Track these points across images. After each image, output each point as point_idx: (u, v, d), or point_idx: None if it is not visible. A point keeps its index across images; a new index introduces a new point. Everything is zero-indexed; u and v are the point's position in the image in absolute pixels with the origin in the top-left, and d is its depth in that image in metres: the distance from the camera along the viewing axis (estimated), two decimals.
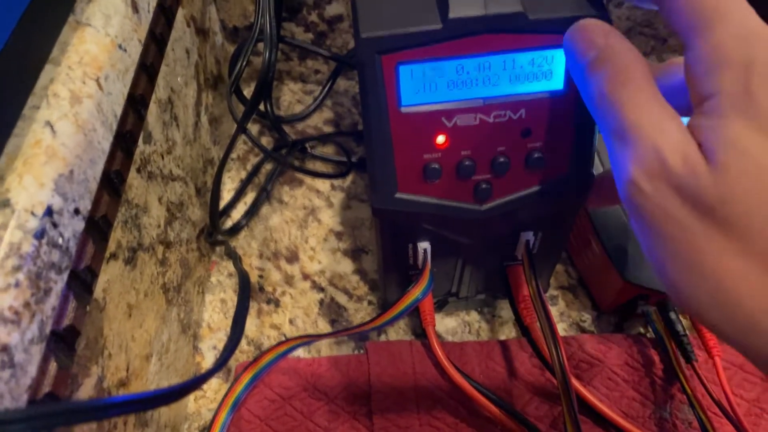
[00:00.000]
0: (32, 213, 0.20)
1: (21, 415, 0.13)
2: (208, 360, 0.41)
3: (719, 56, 0.19)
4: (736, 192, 0.18)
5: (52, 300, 0.21)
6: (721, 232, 0.18)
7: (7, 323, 0.18)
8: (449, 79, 0.27)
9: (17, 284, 0.19)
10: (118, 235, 0.29)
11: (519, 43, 0.26)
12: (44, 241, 0.20)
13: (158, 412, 0.34)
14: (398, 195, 0.30)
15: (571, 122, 0.28)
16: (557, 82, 0.27)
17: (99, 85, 0.25)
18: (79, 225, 0.23)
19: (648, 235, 0.20)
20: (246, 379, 0.37)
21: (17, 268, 0.19)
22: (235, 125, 0.39)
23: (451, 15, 0.25)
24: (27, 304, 0.19)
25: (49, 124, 0.22)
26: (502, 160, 0.29)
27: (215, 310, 0.43)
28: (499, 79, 0.27)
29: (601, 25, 0.23)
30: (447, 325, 0.42)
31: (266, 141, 0.52)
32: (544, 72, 0.27)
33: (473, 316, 0.42)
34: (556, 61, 0.27)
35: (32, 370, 0.19)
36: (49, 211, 0.21)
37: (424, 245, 0.34)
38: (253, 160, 0.51)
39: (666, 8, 0.21)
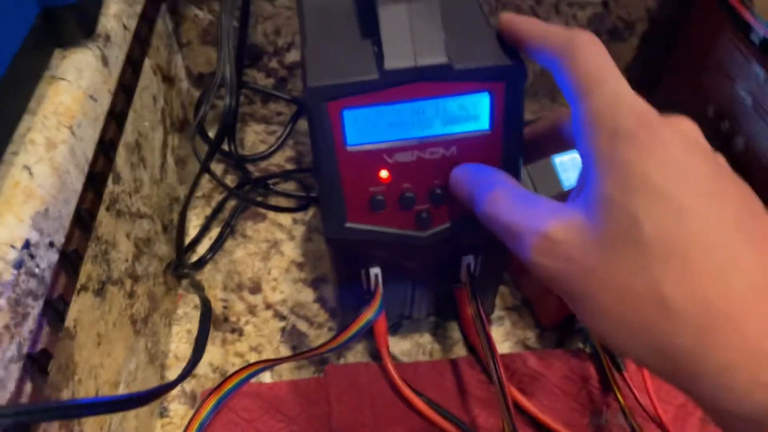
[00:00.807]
0: (12, 246, 0.23)
1: (8, 411, 0.15)
2: (175, 389, 0.43)
3: (592, 123, 0.22)
4: (613, 250, 0.20)
5: (29, 324, 0.23)
6: (610, 281, 0.20)
7: None
8: (388, 121, 0.30)
9: None
10: (88, 269, 0.31)
11: (447, 90, 0.30)
12: (22, 270, 0.23)
13: None
14: (348, 224, 0.33)
15: (498, 158, 0.32)
16: (483, 123, 0.31)
17: (72, 132, 0.28)
18: (54, 257, 0.25)
19: (563, 294, 0.23)
20: (210, 403, 0.39)
21: None
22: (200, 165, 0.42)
23: (386, 66, 0.29)
24: (7, 327, 0.21)
25: (27, 168, 0.25)
26: (438, 191, 0.32)
27: (182, 341, 0.45)
28: (432, 120, 0.31)
29: (459, 173, 0.30)
30: (402, 347, 0.44)
31: (231, 179, 0.55)
32: (471, 115, 0.31)
33: (426, 338, 0.45)
34: (481, 104, 0.31)
35: (11, 386, 0.22)
36: (27, 244, 0.23)
37: (375, 270, 0.37)
38: (218, 197, 0.53)
39: (555, 72, 0.25)
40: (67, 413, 0.18)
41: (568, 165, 0.46)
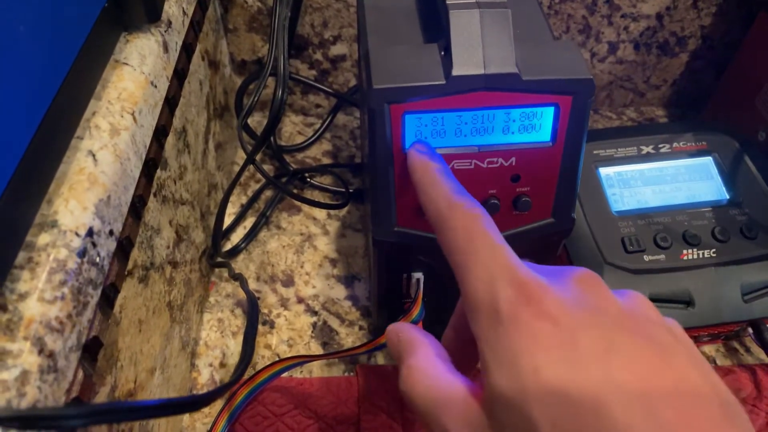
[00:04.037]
0: (76, 233, 0.22)
1: (81, 412, 0.15)
2: (204, 376, 0.43)
3: (472, 301, 0.20)
4: None
5: (89, 313, 0.23)
6: None
7: (53, 332, 0.20)
8: (449, 128, 0.30)
9: (63, 297, 0.21)
10: (135, 255, 0.31)
11: (512, 100, 0.29)
12: (85, 259, 0.23)
13: (158, 423, 0.36)
14: (397, 228, 0.32)
15: (556, 171, 0.31)
16: (545, 135, 0.31)
17: (134, 118, 0.27)
18: (112, 245, 0.25)
19: None
20: (241, 395, 0.39)
21: (63, 283, 0.21)
22: (238, 150, 0.41)
23: (455, 72, 0.28)
24: (70, 316, 0.21)
25: (91, 154, 0.25)
26: (493, 201, 0.32)
27: (212, 329, 0.45)
28: (493, 130, 0.30)
29: (392, 330, 0.26)
30: None
31: (267, 169, 0.54)
32: (534, 125, 0.30)
33: None
34: (545, 116, 0.30)
35: (70, 375, 0.21)
36: (90, 232, 0.23)
37: (417, 275, 0.36)
38: (254, 186, 0.53)
39: (441, 246, 0.23)
40: (138, 415, 0.18)
41: (613, 180, 0.46)
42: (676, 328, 0.20)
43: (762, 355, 0.43)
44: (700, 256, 0.42)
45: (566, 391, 0.17)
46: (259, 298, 0.46)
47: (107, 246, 0.25)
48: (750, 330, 0.42)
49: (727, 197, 0.44)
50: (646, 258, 0.41)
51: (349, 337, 0.45)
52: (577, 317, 0.19)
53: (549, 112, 0.30)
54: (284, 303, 0.46)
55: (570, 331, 0.18)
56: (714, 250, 0.42)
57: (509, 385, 0.18)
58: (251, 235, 0.49)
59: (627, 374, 0.17)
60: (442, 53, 0.29)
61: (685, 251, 0.42)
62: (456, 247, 0.22)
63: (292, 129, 0.58)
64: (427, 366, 0.23)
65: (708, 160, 0.46)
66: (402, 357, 0.24)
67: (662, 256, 0.41)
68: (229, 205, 0.52)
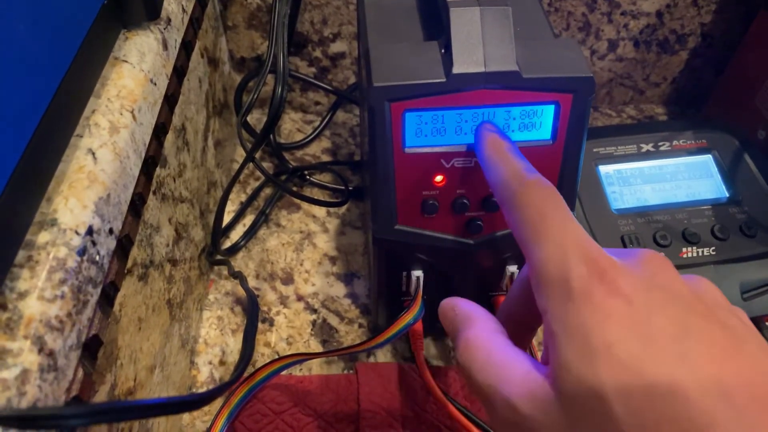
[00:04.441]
0: (76, 232, 0.22)
1: (84, 411, 0.15)
2: (203, 374, 0.42)
3: (542, 275, 0.20)
4: (577, 419, 0.18)
5: (88, 312, 0.23)
6: None
7: (53, 331, 0.20)
8: (449, 126, 0.30)
9: (62, 296, 0.21)
10: (134, 253, 0.31)
11: (513, 98, 0.29)
12: (85, 257, 0.23)
13: (158, 421, 0.36)
14: (398, 226, 0.32)
15: (557, 169, 0.31)
16: (545, 133, 0.31)
17: (134, 116, 0.27)
18: (112, 244, 0.25)
19: None
20: (241, 393, 0.39)
21: (63, 282, 0.21)
22: (237, 148, 0.41)
23: (455, 70, 0.28)
24: (69, 315, 0.21)
25: (91, 152, 0.25)
26: (493, 199, 0.32)
27: (212, 327, 0.45)
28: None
29: (444, 306, 0.26)
30: (432, 350, 0.44)
31: (266, 166, 0.54)
32: (534, 123, 0.30)
33: None
34: (545, 115, 0.30)
35: (70, 374, 0.21)
36: (90, 231, 0.23)
37: (417, 273, 0.36)
38: (253, 184, 0.53)
39: (506, 220, 0.23)
40: (138, 414, 0.17)
41: (613, 178, 0.46)
42: (743, 316, 0.20)
43: None
44: (700, 254, 0.42)
45: (640, 369, 0.17)
46: (258, 296, 0.46)
47: (107, 244, 0.24)
48: None
49: (727, 195, 0.44)
50: None
51: (349, 335, 0.45)
52: (650, 297, 0.18)
53: (549, 110, 0.30)
54: (284, 301, 0.46)
55: (644, 310, 0.18)
56: (713, 248, 0.42)
57: (580, 361, 0.18)
58: (251, 233, 0.49)
59: (702, 358, 0.17)
60: (443, 51, 0.29)
61: (684, 249, 0.42)
62: (527, 222, 0.22)
63: (292, 126, 0.58)
64: (486, 339, 0.22)
65: (708, 158, 0.46)
66: (458, 329, 0.24)
67: (662, 254, 0.41)
68: (229, 202, 0.52)
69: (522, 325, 0.26)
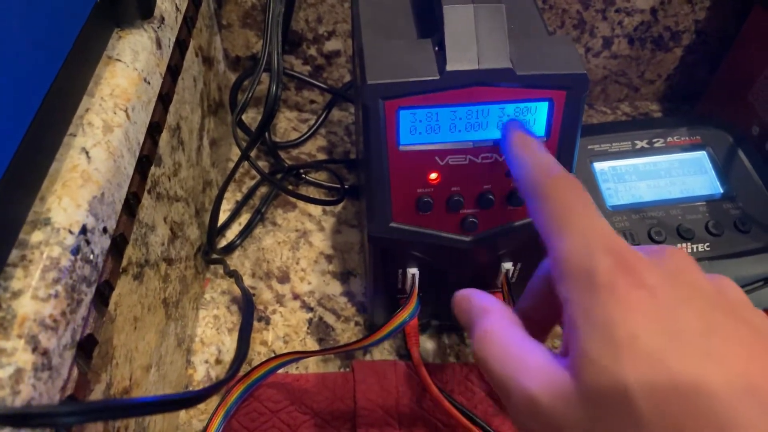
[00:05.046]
0: (69, 231, 0.22)
1: (79, 409, 0.15)
2: (200, 373, 0.42)
3: (566, 266, 0.20)
4: (605, 427, 0.17)
5: (83, 311, 0.23)
6: None
7: (47, 330, 0.20)
8: (443, 124, 0.30)
9: (56, 295, 0.21)
10: (129, 252, 0.31)
11: (507, 95, 0.29)
12: (79, 256, 0.22)
13: (154, 420, 0.36)
14: (393, 224, 0.32)
15: None
16: (539, 130, 0.31)
17: (127, 115, 0.27)
18: (106, 243, 0.25)
19: None
20: (237, 392, 0.39)
21: (56, 281, 0.21)
22: (233, 147, 0.41)
23: (449, 68, 0.28)
24: (64, 314, 0.21)
25: (84, 151, 0.24)
26: (488, 196, 0.32)
27: (208, 326, 0.45)
28: (488, 125, 0.30)
29: (459, 298, 0.25)
30: (428, 347, 0.44)
31: (262, 165, 0.54)
32: (528, 120, 0.30)
33: (453, 339, 0.45)
34: (539, 112, 0.30)
35: (64, 373, 0.21)
36: (83, 230, 0.23)
37: (413, 271, 0.36)
38: (249, 183, 0.53)
39: (529, 211, 0.24)
40: (133, 412, 0.18)
41: (608, 174, 0.46)
42: (764, 316, 0.20)
43: None
44: (694, 250, 0.42)
45: (665, 364, 0.16)
46: (254, 295, 0.46)
47: (101, 243, 0.24)
48: None
49: (721, 191, 0.44)
50: None
51: (345, 333, 0.45)
52: (675, 292, 0.18)
53: (543, 107, 0.30)
54: (280, 299, 0.46)
55: (669, 304, 0.18)
56: (708, 244, 0.42)
57: (604, 353, 0.17)
58: (246, 232, 0.49)
59: (729, 356, 0.17)
60: (436, 48, 0.29)
61: (679, 245, 0.42)
62: (553, 215, 0.22)
63: (287, 125, 0.58)
64: (503, 330, 0.22)
65: (702, 155, 0.46)
66: (474, 321, 0.23)
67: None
68: (224, 201, 0.51)
69: (538, 323, 0.25)
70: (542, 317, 0.25)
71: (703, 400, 0.16)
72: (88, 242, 0.23)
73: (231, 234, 0.49)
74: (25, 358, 0.19)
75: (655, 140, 0.46)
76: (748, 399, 0.16)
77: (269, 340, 0.44)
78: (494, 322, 0.23)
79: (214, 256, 0.47)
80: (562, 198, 0.22)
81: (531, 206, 0.24)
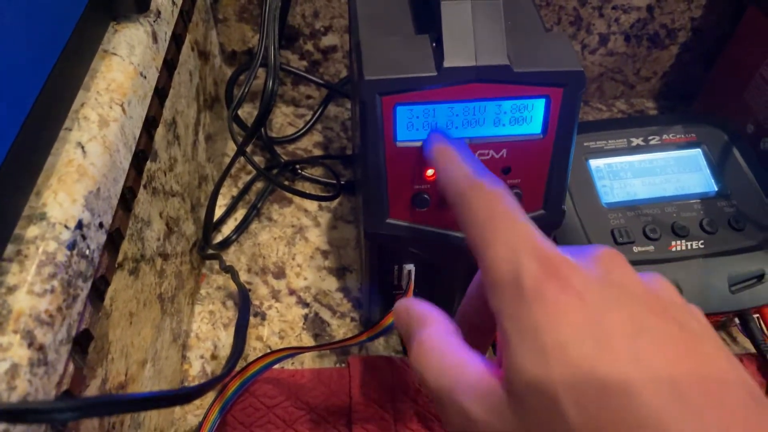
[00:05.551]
0: (65, 226, 0.22)
1: (75, 404, 0.15)
2: (195, 368, 0.42)
3: (494, 275, 0.19)
4: (531, 421, 0.17)
5: (78, 306, 0.23)
6: None
7: (43, 325, 0.20)
8: (440, 120, 0.30)
9: (52, 290, 0.21)
10: (125, 247, 0.31)
11: (504, 92, 0.29)
12: (75, 251, 0.22)
13: (149, 415, 0.36)
14: (389, 220, 0.32)
15: (547, 163, 0.31)
16: (536, 127, 0.31)
17: (123, 109, 0.27)
18: (102, 238, 0.25)
19: None
20: (233, 387, 0.39)
21: (52, 276, 0.21)
22: (228, 142, 0.41)
23: (446, 64, 0.28)
24: (59, 309, 0.21)
25: (80, 145, 0.24)
26: None
27: (204, 321, 0.45)
28: (485, 122, 0.30)
29: (401, 305, 0.25)
30: None
31: (258, 160, 0.54)
32: (525, 118, 0.30)
33: None
34: (536, 109, 0.30)
35: (60, 368, 0.21)
36: (79, 225, 0.23)
37: (409, 267, 0.36)
38: (245, 178, 0.53)
39: (459, 225, 0.23)
40: (129, 408, 0.17)
41: (603, 171, 0.46)
42: (698, 314, 0.19)
43: (748, 345, 0.43)
44: (689, 247, 0.42)
45: (593, 370, 0.16)
46: (250, 290, 0.46)
47: (97, 238, 0.24)
48: (737, 320, 0.42)
49: (716, 189, 0.45)
50: (635, 249, 0.42)
51: (341, 329, 0.45)
52: (603, 295, 0.18)
53: (540, 104, 0.30)
54: (275, 295, 0.46)
55: (597, 308, 0.18)
56: (702, 241, 0.42)
57: (533, 361, 0.17)
58: (242, 227, 0.49)
59: (656, 358, 0.16)
60: (434, 45, 0.29)
61: (673, 242, 0.42)
62: (476, 223, 0.21)
63: (283, 120, 0.57)
64: (440, 341, 0.22)
65: (697, 152, 0.46)
66: (412, 332, 0.23)
67: (651, 248, 0.42)
68: (220, 197, 0.51)
69: (479, 329, 0.25)
70: (482, 323, 0.25)
71: (630, 403, 0.16)
72: (84, 237, 0.23)
73: (227, 229, 0.49)
74: (20, 353, 0.19)
75: (650, 138, 0.46)
76: (674, 400, 0.16)
77: (265, 336, 0.44)
78: (431, 333, 0.22)
79: (210, 251, 0.47)
80: (484, 206, 0.22)
81: (456, 218, 0.23)
